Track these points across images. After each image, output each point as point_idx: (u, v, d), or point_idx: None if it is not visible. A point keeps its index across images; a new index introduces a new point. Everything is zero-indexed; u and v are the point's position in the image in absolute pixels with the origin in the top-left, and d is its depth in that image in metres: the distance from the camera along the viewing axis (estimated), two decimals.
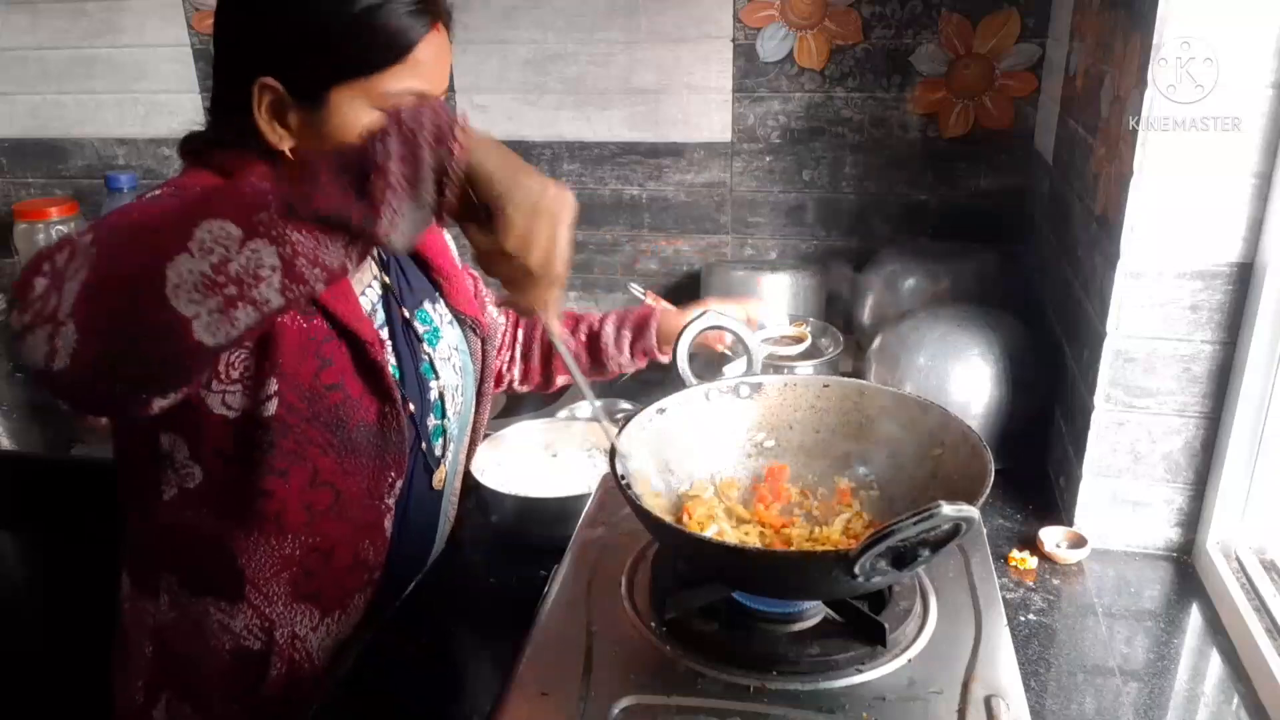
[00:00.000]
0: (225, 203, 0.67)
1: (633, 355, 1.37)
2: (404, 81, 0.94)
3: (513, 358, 1.39)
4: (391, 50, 0.93)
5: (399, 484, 1.05)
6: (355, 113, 0.93)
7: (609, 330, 1.36)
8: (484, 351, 1.22)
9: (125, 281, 0.66)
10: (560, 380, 1.42)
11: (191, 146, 1.02)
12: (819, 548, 0.85)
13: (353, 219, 0.67)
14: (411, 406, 1.07)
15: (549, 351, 1.39)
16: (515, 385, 1.41)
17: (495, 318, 1.34)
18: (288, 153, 0.96)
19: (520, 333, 1.39)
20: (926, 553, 0.69)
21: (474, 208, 0.73)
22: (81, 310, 0.66)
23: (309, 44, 0.93)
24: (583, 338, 1.37)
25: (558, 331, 0.82)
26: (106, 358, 0.68)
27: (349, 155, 0.68)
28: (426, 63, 0.95)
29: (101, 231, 0.70)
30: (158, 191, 0.92)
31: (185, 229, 0.66)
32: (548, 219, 0.74)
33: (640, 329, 1.36)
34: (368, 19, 0.91)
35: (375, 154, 0.67)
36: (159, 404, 0.77)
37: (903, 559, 0.69)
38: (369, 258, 1.10)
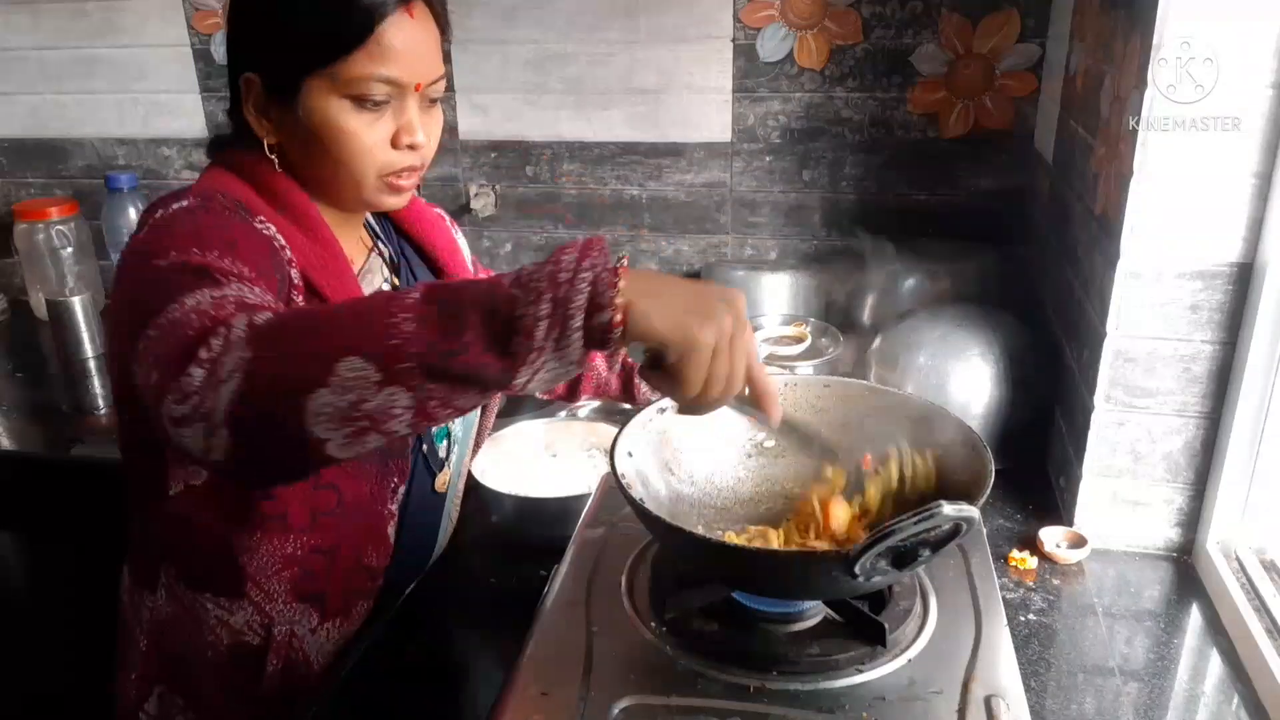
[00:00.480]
0: (368, 336, 0.67)
1: None
2: (371, 67, 0.91)
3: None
4: (354, 32, 0.90)
5: (401, 489, 1.05)
6: (327, 104, 0.92)
7: None
8: None
9: (273, 401, 0.69)
10: (584, 397, 1.42)
11: (215, 146, 1.04)
12: (820, 547, 0.85)
13: (490, 377, 0.67)
14: None
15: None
16: (537, 394, 1.41)
17: None
18: (267, 150, 0.97)
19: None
20: (927, 552, 0.69)
21: (655, 357, 0.70)
22: (233, 419, 0.68)
23: (278, 34, 0.94)
24: (616, 367, 1.36)
25: (802, 422, 0.84)
26: (253, 460, 0.72)
27: (500, 306, 0.66)
28: (396, 48, 0.92)
29: (255, 329, 0.71)
30: (185, 202, 0.92)
31: (329, 361, 0.66)
32: (725, 343, 0.68)
33: None
34: (328, 2, 0.91)
35: (525, 314, 0.65)
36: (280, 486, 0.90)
37: (903, 559, 0.69)
38: (380, 258, 1.11)
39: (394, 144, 0.96)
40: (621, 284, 0.66)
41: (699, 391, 0.69)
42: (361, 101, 0.92)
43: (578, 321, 0.65)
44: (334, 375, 0.66)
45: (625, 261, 0.69)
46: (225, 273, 0.81)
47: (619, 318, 0.66)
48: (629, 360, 1.36)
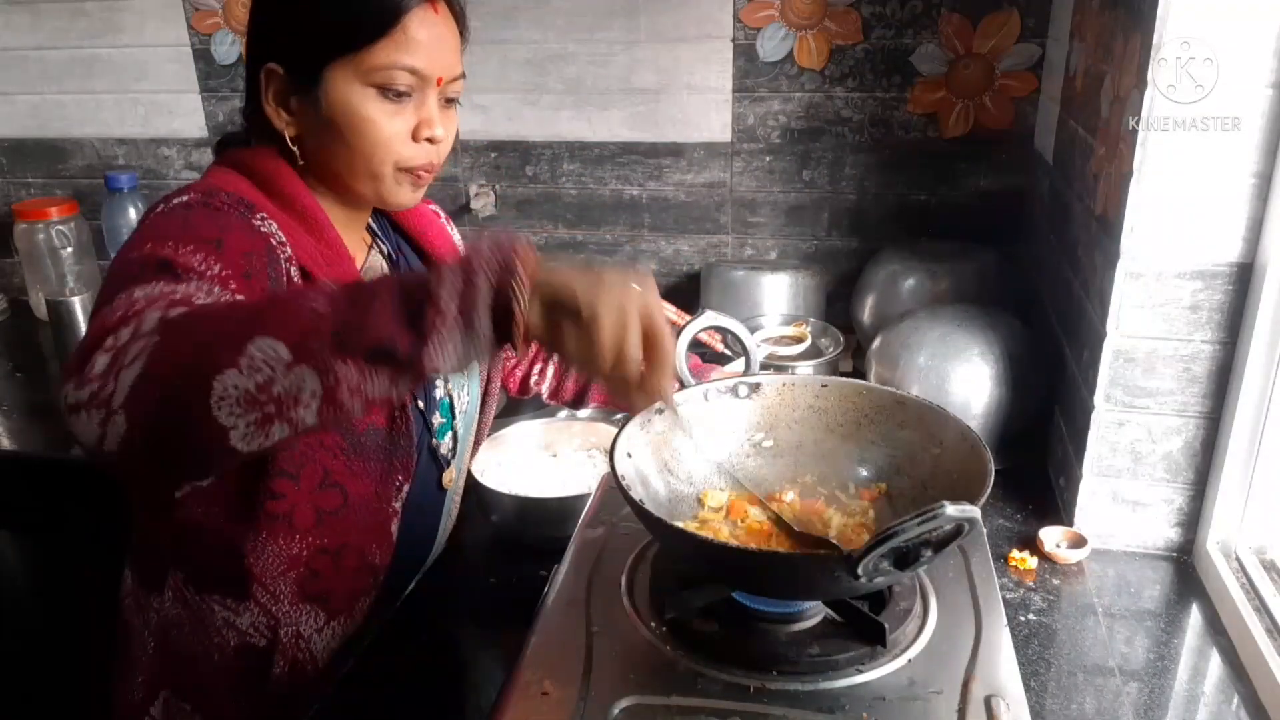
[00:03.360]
0: (282, 319, 0.68)
1: None
2: (396, 56, 0.93)
3: (543, 372, 1.39)
4: (380, 21, 0.92)
5: (406, 487, 1.05)
6: (350, 91, 0.94)
7: None
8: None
9: (176, 385, 0.67)
10: (593, 406, 1.42)
11: (222, 145, 1.05)
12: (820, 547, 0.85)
13: (400, 350, 0.67)
14: (421, 404, 1.07)
15: (587, 380, 1.38)
16: (544, 398, 1.41)
17: None
18: (290, 142, 0.98)
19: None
20: (929, 553, 0.69)
21: (558, 324, 0.71)
22: (133, 404, 0.67)
23: (303, 22, 0.95)
24: None
25: (683, 415, 0.84)
26: (150, 451, 0.70)
27: (410, 285, 0.68)
28: (420, 39, 0.94)
29: (167, 320, 0.71)
30: (185, 198, 0.92)
31: (239, 342, 0.66)
32: (628, 316, 0.69)
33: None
34: None
35: (433, 285, 0.67)
36: (187, 488, 0.89)
37: (905, 559, 0.69)
38: (381, 257, 1.11)
39: (414, 137, 0.97)
40: (522, 247, 0.68)
41: (614, 343, 0.69)
42: (384, 90, 0.94)
43: (485, 295, 0.67)
44: (243, 356, 0.66)
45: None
46: (189, 269, 0.81)
47: (526, 282, 0.67)
48: None
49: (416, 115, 0.97)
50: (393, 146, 0.97)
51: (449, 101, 1.01)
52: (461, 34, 1.01)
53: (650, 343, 0.71)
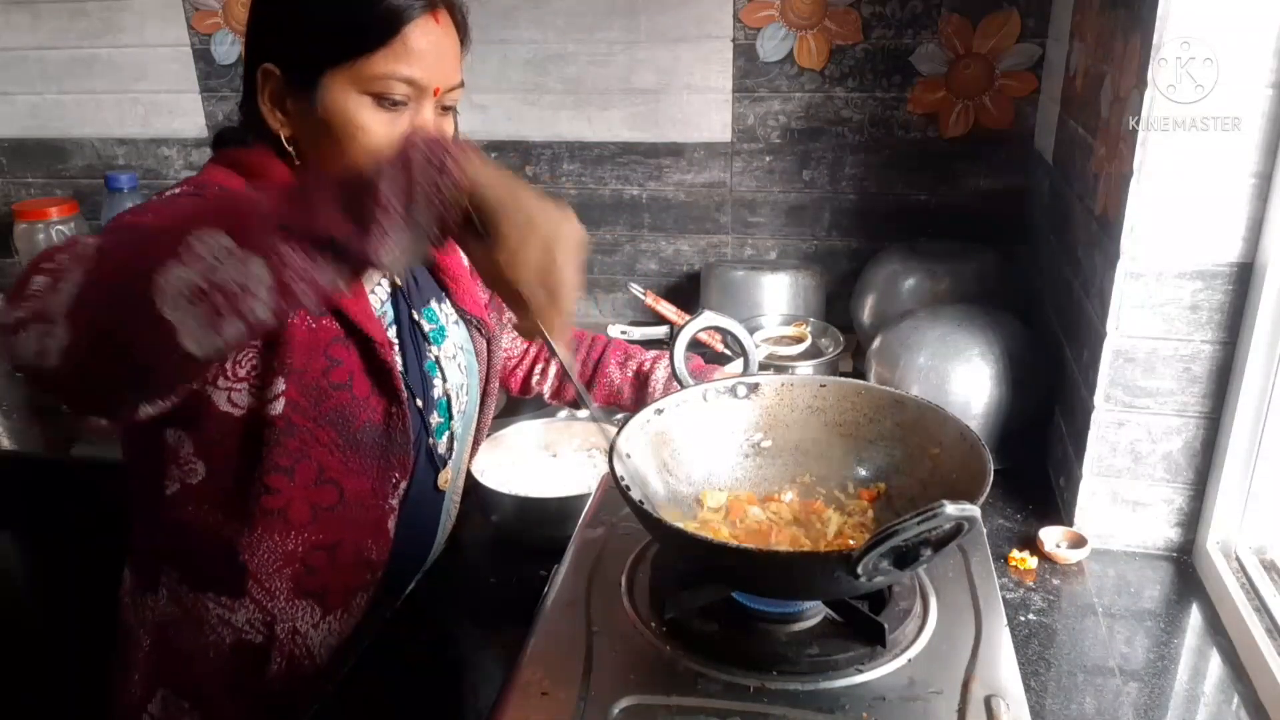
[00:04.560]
0: (223, 215, 0.68)
1: None
2: (394, 66, 0.93)
3: (544, 372, 1.38)
4: (380, 31, 0.92)
5: (403, 484, 1.05)
6: (346, 98, 0.94)
7: (659, 376, 1.34)
8: (489, 351, 1.22)
9: (117, 285, 0.67)
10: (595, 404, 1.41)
11: (218, 142, 1.05)
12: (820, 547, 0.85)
13: (344, 240, 0.68)
14: (419, 402, 1.07)
15: (591, 378, 1.37)
16: (546, 398, 1.41)
17: (506, 325, 1.34)
18: (285, 142, 0.98)
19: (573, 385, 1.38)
20: (928, 552, 0.69)
21: (476, 230, 0.73)
22: (74, 311, 0.66)
23: (302, 26, 0.95)
24: (630, 374, 1.36)
25: (564, 356, 0.82)
26: (94, 360, 0.68)
27: (350, 179, 0.70)
28: (419, 50, 0.94)
29: (105, 234, 0.71)
30: (176, 190, 0.93)
31: (180, 237, 0.66)
32: (542, 239, 0.73)
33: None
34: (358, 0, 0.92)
35: (370, 180, 0.68)
36: (145, 410, 0.78)
37: (905, 558, 0.69)
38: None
39: None
40: (460, 151, 0.70)
41: (512, 268, 0.72)
42: (380, 100, 0.94)
43: (419, 176, 0.68)
44: (187, 249, 0.65)
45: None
46: None
47: (459, 178, 0.70)
48: (644, 368, 1.35)
49: (411, 123, 0.97)
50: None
51: (445, 109, 1.01)
52: (463, 42, 1.01)
53: (550, 272, 0.74)
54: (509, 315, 1.31)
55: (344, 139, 0.95)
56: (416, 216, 0.69)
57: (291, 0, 0.96)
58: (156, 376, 0.73)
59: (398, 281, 1.10)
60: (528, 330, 0.78)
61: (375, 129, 0.95)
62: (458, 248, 1.20)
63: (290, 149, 0.99)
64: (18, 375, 0.70)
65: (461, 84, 1.00)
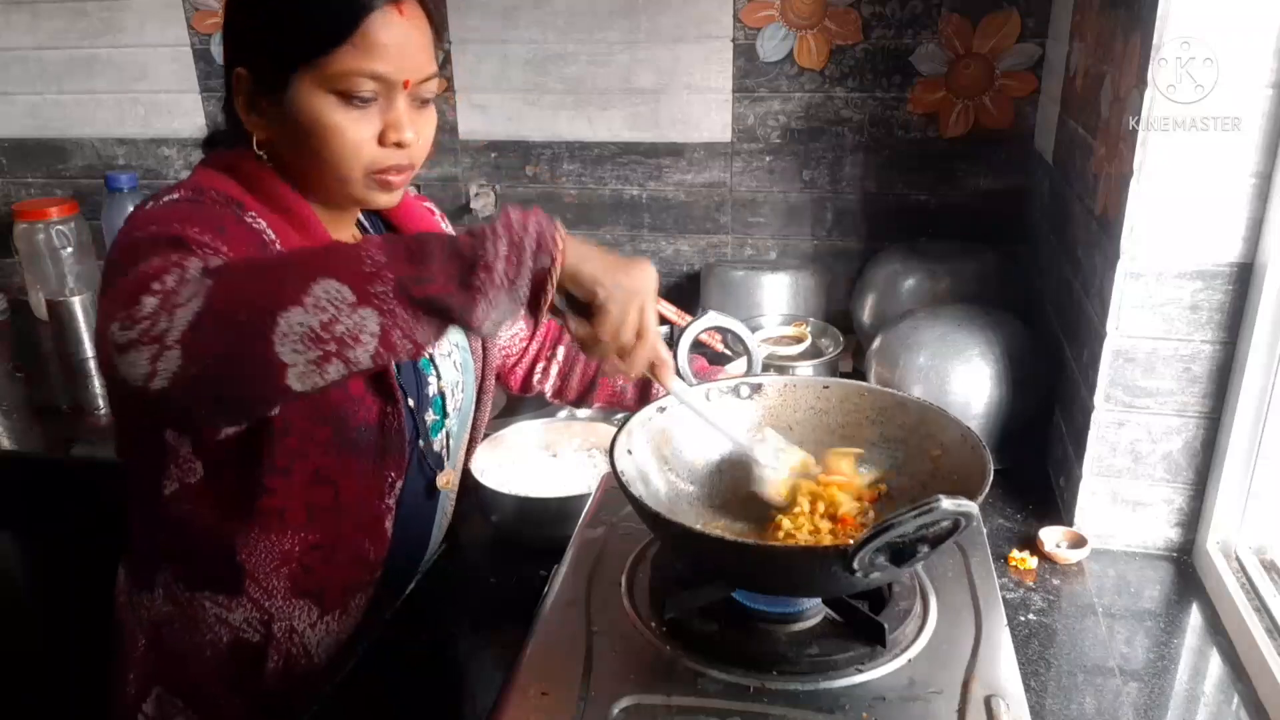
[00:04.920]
0: (346, 266, 0.72)
1: None
2: (357, 62, 0.90)
3: (546, 371, 1.38)
4: (339, 26, 0.90)
5: (399, 483, 1.05)
6: (313, 99, 0.92)
7: None
8: (484, 349, 1.22)
9: (239, 319, 0.71)
10: (597, 405, 1.41)
11: (209, 144, 1.05)
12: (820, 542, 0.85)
13: (453, 306, 0.73)
14: (411, 402, 1.07)
15: (593, 379, 1.37)
16: (548, 396, 1.40)
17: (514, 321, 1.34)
18: (254, 146, 0.97)
19: (561, 350, 1.38)
20: (925, 549, 0.69)
21: (573, 303, 0.80)
22: (190, 338, 0.70)
23: (266, 28, 0.94)
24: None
25: (674, 388, 0.88)
26: (203, 386, 0.73)
27: (462, 247, 0.74)
28: (383, 44, 0.91)
29: (216, 267, 0.75)
30: (175, 195, 0.92)
31: (304, 283, 0.71)
32: (638, 303, 0.79)
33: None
34: None
35: (485, 252, 0.73)
36: (227, 431, 0.87)
37: (901, 555, 0.69)
38: None
39: (381, 141, 0.95)
40: (560, 233, 0.77)
41: (614, 337, 0.79)
42: (348, 98, 0.92)
43: (529, 261, 0.75)
44: (308, 295, 0.70)
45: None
46: (203, 245, 0.82)
47: (559, 259, 0.76)
48: None
49: (383, 119, 0.94)
50: (360, 152, 0.94)
51: (423, 102, 0.98)
52: (436, 31, 0.97)
53: (640, 324, 0.80)
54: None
55: (314, 140, 0.93)
56: (519, 290, 0.75)
57: (255, 3, 0.95)
58: (254, 405, 0.80)
59: None
60: (635, 376, 0.85)
61: (345, 127, 0.92)
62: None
63: (262, 153, 0.97)
64: (116, 386, 0.75)
65: (436, 74, 0.97)
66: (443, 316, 0.74)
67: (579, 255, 0.77)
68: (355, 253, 0.74)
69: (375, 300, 0.71)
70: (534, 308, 0.77)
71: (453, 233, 1.24)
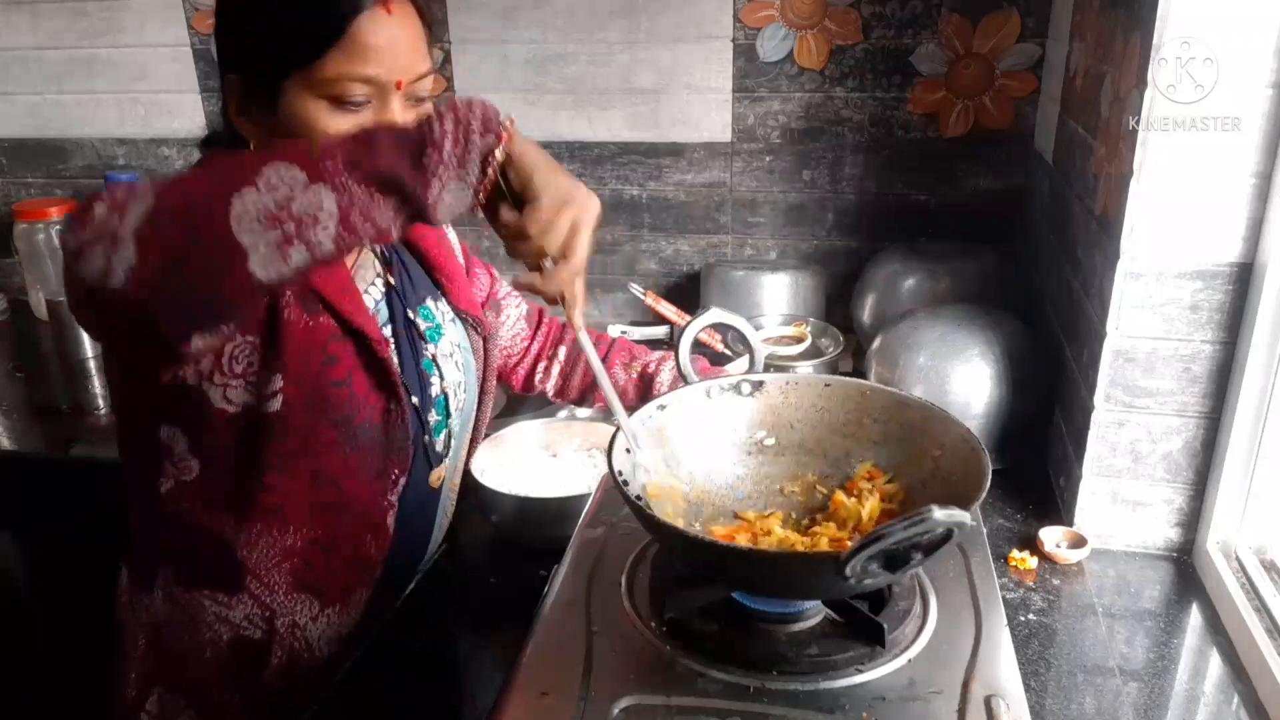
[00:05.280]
0: (293, 153, 0.74)
1: None
2: (347, 66, 0.89)
3: (548, 370, 1.38)
4: (326, 30, 0.88)
5: (402, 481, 1.05)
6: (304, 104, 0.91)
7: (664, 378, 1.33)
8: (486, 350, 1.22)
9: (190, 208, 0.72)
10: (598, 405, 1.41)
11: (207, 144, 1.05)
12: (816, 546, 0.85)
13: (406, 181, 0.74)
14: (415, 400, 1.07)
15: (594, 379, 1.37)
16: (549, 395, 1.40)
17: (506, 322, 1.34)
18: (252, 149, 0.96)
19: (563, 350, 1.38)
20: (919, 556, 0.69)
21: (506, 193, 0.81)
22: (143, 231, 0.71)
23: (255, 36, 0.93)
24: (634, 375, 1.35)
25: (579, 323, 0.86)
26: (160, 278, 0.73)
27: (408, 131, 0.76)
28: (373, 46, 0.89)
29: (167, 176, 0.77)
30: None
31: (256, 168, 0.72)
32: (572, 211, 0.80)
33: None
34: (303, 1, 0.90)
35: (432, 131, 0.75)
36: (197, 341, 0.82)
37: (895, 562, 0.69)
38: (373, 254, 1.11)
39: None
40: (507, 120, 0.79)
41: (541, 234, 0.79)
42: (340, 102, 0.90)
43: (476, 139, 0.76)
44: (261, 178, 0.71)
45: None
46: None
47: (505, 137, 0.78)
48: (648, 369, 1.35)
49: (378, 121, 0.92)
50: None
51: (418, 101, 0.96)
52: (428, 27, 0.96)
53: (574, 243, 0.81)
54: (518, 294, 1.36)
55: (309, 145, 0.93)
56: (468, 170, 0.77)
57: (243, 10, 0.95)
58: (219, 301, 0.78)
59: (391, 281, 1.09)
60: (545, 293, 0.83)
61: (338, 132, 0.91)
62: (452, 251, 1.22)
63: None
64: (80, 301, 0.76)
65: (430, 72, 0.96)
66: (398, 194, 0.75)
67: (526, 145, 0.80)
68: (303, 144, 0.77)
69: (326, 175, 0.72)
70: (485, 167, 0.78)
71: (459, 254, 1.24)
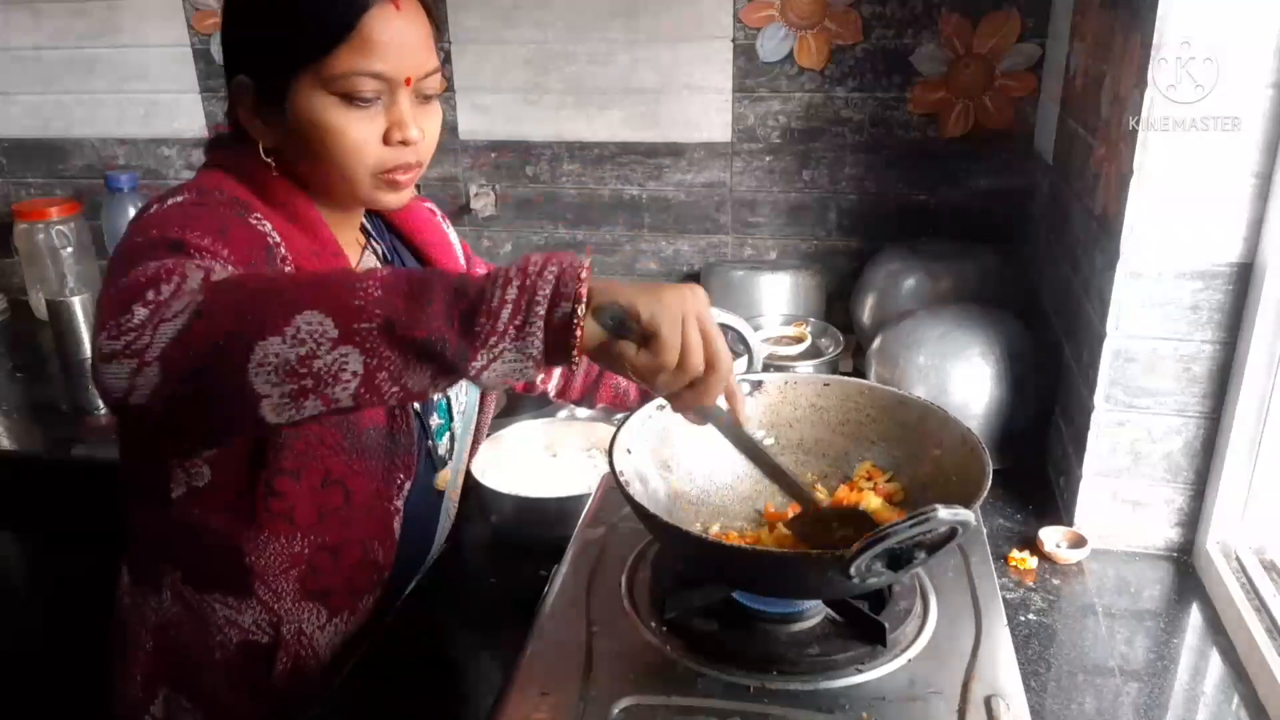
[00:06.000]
0: (333, 297, 0.68)
1: None
2: (356, 62, 0.89)
3: (549, 371, 1.38)
4: (335, 27, 0.88)
5: (407, 485, 1.05)
6: (314, 102, 0.91)
7: None
8: None
9: (218, 343, 0.68)
10: (600, 406, 1.41)
11: (214, 145, 1.04)
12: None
13: (448, 353, 0.67)
14: (417, 405, 1.07)
15: (597, 378, 1.37)
16: (551, 396, 1.40)
17: None
18: (263, 153, 0.96)
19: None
20: (922, 555, 0.69)
21: (624, 339, 0.71)
22: (169, 357, 0.68)
23: (264, 35, 0.93)
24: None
25: (745, 417, 0.81)
26: (178, 407, 0.71)
27: (467, 288, 0.68)
28: (382, 42, 0.90)
29: (213, 282, 0.72)
30: (180, 199, 0.91)
31: (289, 311, 0.67)
32: (694, 321, 0.71)
33: None
34: None
35: (491, 296, 0.67)
36: (204, 452, 0.87)
37: (899, 561, 0.69)
38: (375, 256, 1.10)
39: (386, 140, 0.94)
40: (584, 275, 0.68)
41: (679, 359, 0.69)
42: (349, 99, 0.91)
43: (542, 309, 0.67)
44: (290, 325, 0.66)
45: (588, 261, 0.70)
46: (202, 249, 0.81)
47: (583, 307, 0.67)
48: None
49: (388, 118, 0.93)
50: (364, 153, 0.93)
51: (426, 98, 0.97)
52: (435, 25, 0.96)
53: (707, 350, 0.72)
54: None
55: (318, 144, 0.93)
56: (528, 342, 0.67)
57: (251, 9, 0.94)
58: (229, 431, 0.78)
59: None
60: (708, 412, 0.77)
61: (348, 129, 0.92)
62: (454, 253, 1.21)
63: (270, 160, 0.97)
64: (104, 400, 0.73)
65: (438, 69, 0.96)
66: (436, 363, 0.68)
67: (608, 287, 0.70)
68: (350, 282, 0.68)
69: (358, 338, 0.66)
70: (563, 355, 0.68)
71: (460, 254, 1.23)
